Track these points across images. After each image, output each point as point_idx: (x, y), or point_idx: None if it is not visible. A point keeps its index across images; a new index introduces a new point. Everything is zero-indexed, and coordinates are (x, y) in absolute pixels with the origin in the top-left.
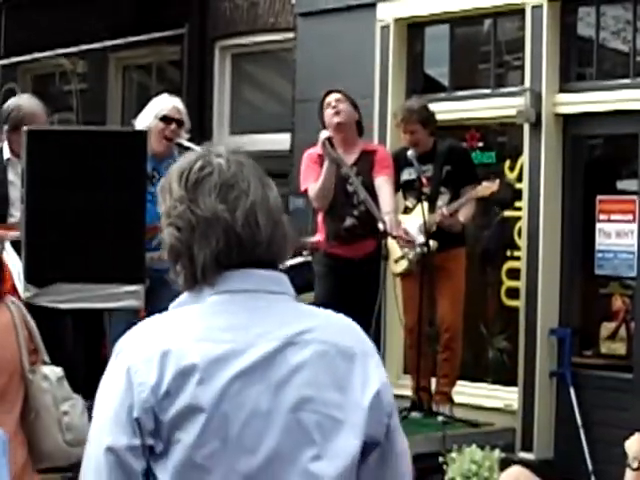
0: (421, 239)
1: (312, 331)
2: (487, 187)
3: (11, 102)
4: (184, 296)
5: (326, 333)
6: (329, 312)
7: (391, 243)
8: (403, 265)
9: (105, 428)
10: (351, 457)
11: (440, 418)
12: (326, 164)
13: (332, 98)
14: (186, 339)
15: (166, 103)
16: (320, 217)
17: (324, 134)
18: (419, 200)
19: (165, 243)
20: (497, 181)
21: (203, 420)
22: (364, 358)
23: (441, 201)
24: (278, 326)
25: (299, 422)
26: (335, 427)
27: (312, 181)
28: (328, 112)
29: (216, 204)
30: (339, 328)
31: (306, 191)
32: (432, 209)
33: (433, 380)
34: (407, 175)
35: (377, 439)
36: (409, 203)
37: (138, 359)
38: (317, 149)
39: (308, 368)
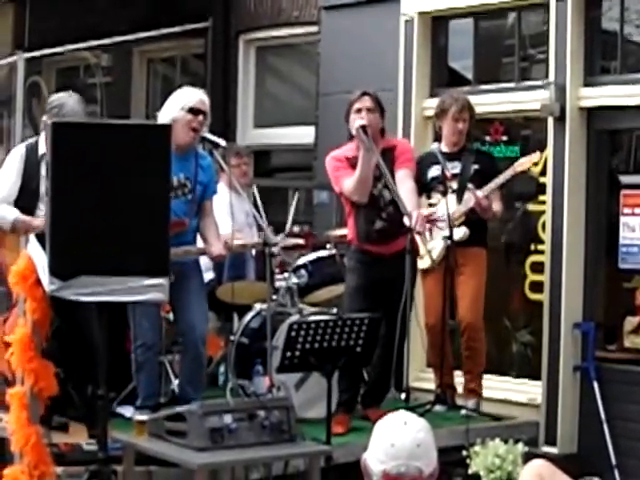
0: (445, 232)
1: None
2: (526, 162)
3: (57, 97)
4: None
5: None
6: None
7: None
8: (427, 262)
9: None
10: None
11: (463, 412)
12: (362, 153)
13: (363, 105)
14: None
15: (193, 96)
16: (350, 219)
17: (358, 122)
18: (444, 195)
19: None
20: (537, 153)
21: None
22: None
23: (467, 195)
24: None
25: None
26: None
27: (347, 178)
28: (355, 117)
29: None
30: None
31: (342, 194)
32: (460, 201)
33: (457, 373)
34: (435, 172)
35: None
36: (434, 200)
37: None
38: (343, 152)
39: None
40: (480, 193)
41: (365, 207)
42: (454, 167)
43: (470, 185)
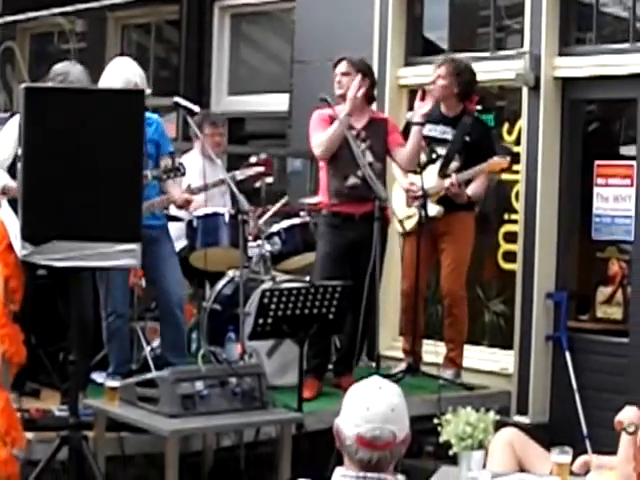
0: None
1: None
2: (497, 163)
3: (61, 66)
4: None
5: None
6: None
7: (397, 203)
8: (410, 224)
9: None
10: None
11: (440, 382)
12: (337, 123)
13: (338, 70)
14: None
15: (126, 80)
16: (324, 176)
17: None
18: (429, 162)
19: None
20: (508, 158)
21: None
22: None
23: (451, 167)
24: None
25: None
26: None
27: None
28: (335, 85)
29: None
30: None
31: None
32: (442, 173)
33: (425, 342)
34: (427, 131)
35: None
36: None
37: None
38: (328, 109)
39: None
40: (454, 179)
41: (342, 162)
42: (445, 132)
43: (457, 157)
